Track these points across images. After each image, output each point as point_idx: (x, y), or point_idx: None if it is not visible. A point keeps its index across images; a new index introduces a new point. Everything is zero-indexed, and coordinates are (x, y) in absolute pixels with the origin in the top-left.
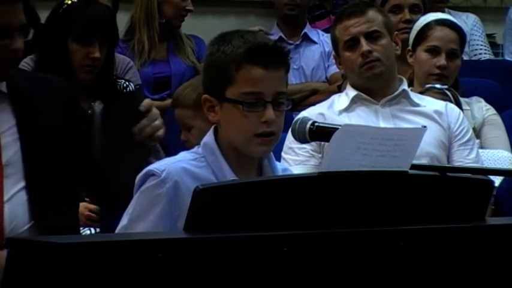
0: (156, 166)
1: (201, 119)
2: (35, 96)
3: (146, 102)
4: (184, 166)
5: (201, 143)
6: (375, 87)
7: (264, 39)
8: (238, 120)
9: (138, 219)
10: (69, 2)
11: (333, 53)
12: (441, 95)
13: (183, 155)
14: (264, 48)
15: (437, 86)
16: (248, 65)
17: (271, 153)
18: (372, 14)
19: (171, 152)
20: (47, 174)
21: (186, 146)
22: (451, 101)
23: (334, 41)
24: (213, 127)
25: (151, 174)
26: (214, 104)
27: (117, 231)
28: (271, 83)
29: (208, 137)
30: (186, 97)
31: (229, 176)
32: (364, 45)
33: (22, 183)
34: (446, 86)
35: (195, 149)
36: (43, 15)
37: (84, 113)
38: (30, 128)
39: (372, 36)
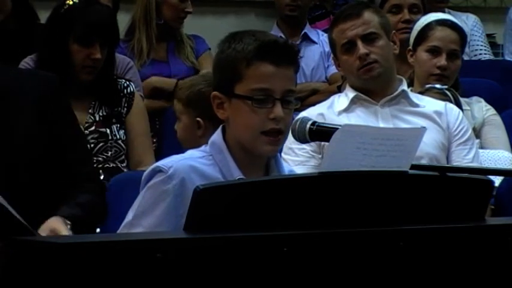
0: (163, 162)
1: (187, 116)
2: (15, 95)
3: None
4: (192, 164)
5: (209, 142)
6: (374, 89)
7: (274, 37)
8: (247, 117)
9: (143, 214)
10: (71, 2)
11: (332, 55)
12: (441, 95)
13: (190, 153)
14: (275, 45)
15: (437, 86)
16: (258, 61)
17: (278, 154)
18: (367, 15)
19: (165, 154)
20: (20, 184)
21: (176, 136)
22: (451, 101)
23: (332, 44)
24: (221, 126)
25: (159, 170)
26: (223, 100)
27: (121, 226)
28: (280, 80)
29: (217, 136)
30: (180, 92)
31: (236, 174)
32: (361, 48)
33: None
34: (446, 86)
35: (203, 147)
36: (43, 15)
37: (68, 110)
38: (6, 135)
39: (369, 38)
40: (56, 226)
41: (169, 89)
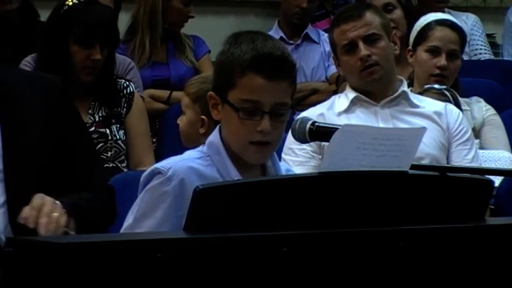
0: (162, 164)
1: (193, 111)
2: (21, 98)
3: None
4: (190, 165)
5: (206, 142)
6: (374, 90)
7: (271, 49)
8: (235, 125)
9: (144, 217)
10: (70, 3)
11: (332, 55)
12: (440, 95)
13: (188, 154)
14: (269, 59)
15: (436, 86)
16: (251, 72)
17: (275, 154)
18: (369, 16)
19: (165, 154)
20: (29, 188)
21: (178, 129)
22: (450, 101)
23: (333, 44)
24: (218, 126)
25: (158, 172)
26: (218, 102)
27: (122, 230)
28: (271, 94)
29: (214, 136)
30: (190, 86)
31: (234, 175)
32: (363, 50)
33: (2, 198)
34: (445, 86)
35: (201, 147)
36: (43, 15)
37: (74, 111)
38: (14, 138)
39: (370, 39)
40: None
41: (164, 98)
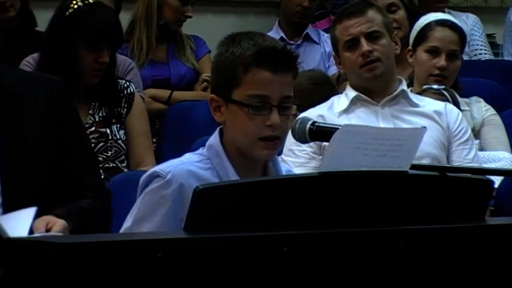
0: (161, 167)
1: None
2: (22, 99)
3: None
4: (190, 168)
5: (206, 145)
6: (375, 88)
7: (273, 43)
8: (244, 123)
9: (143, 220)
10: (75, 6)
11: (333, 53)
12: (439, 95)
13: (188, 157)
14: (273, 52)
15: (435, 86)
16: (256, 68)
17: (276, 155)
18: (371, 14)
19: (165, 154)
20: (26, 190)
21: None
22: (448, 101)
23: (334, 41)
24: (218, 129)
25: (157, 175)
26: (221, 104)
27: (121, 231)
28: (278, 87)
29: (214, 139)
30: None
31: (234, 178)
32: (365, 46)
33: None
34: (443, 87)
35: (200, 150)
36: (42, 17)
37: (74, 113)
38: (13, 140)
39: (372, 36)
40: (50, 218)
41: (164, 98)
